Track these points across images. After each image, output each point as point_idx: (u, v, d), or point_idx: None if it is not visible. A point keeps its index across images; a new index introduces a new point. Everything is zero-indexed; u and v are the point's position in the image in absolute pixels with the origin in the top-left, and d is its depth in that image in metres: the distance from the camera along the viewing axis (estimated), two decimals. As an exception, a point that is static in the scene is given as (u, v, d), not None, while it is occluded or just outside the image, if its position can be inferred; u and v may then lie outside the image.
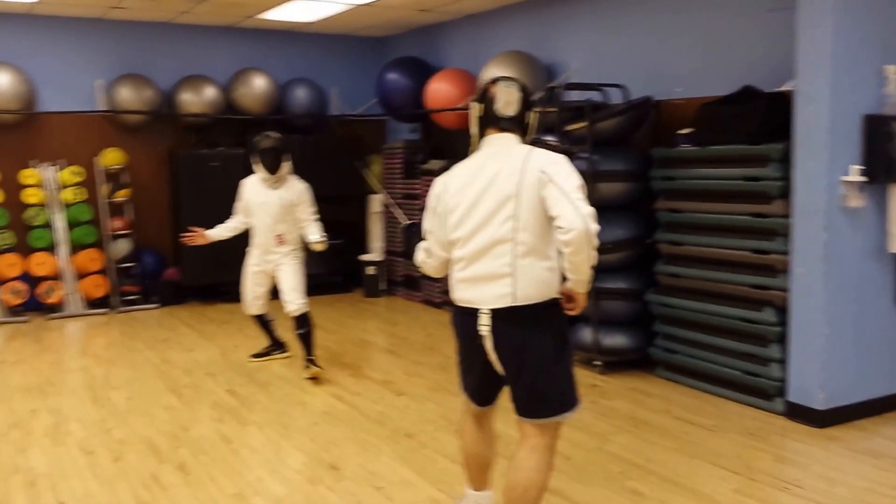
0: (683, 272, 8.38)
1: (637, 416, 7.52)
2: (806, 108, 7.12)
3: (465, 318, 4.66)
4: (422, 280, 13.05)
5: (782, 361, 7.51)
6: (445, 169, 11.84)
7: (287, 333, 9.43)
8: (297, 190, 8.86)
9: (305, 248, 9.03)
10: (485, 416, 5.03)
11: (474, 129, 4.74)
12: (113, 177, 12.89)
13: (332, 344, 9.52)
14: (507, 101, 4.62)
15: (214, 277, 13.05)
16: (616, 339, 8.85)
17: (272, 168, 8.75)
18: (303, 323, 8.84)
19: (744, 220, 7.74)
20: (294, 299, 8.77)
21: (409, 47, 14.07)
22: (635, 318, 8.96)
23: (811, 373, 7.24)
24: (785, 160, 7.36)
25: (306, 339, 8.86)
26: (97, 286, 12.50)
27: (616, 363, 8.94)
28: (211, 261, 12.58)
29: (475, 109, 4.72)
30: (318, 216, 8.97)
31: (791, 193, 7.30)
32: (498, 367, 4.63)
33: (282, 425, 7.31)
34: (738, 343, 7.86)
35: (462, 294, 4.64)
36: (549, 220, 4.37)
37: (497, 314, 4.48)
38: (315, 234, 8.78)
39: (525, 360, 4.51)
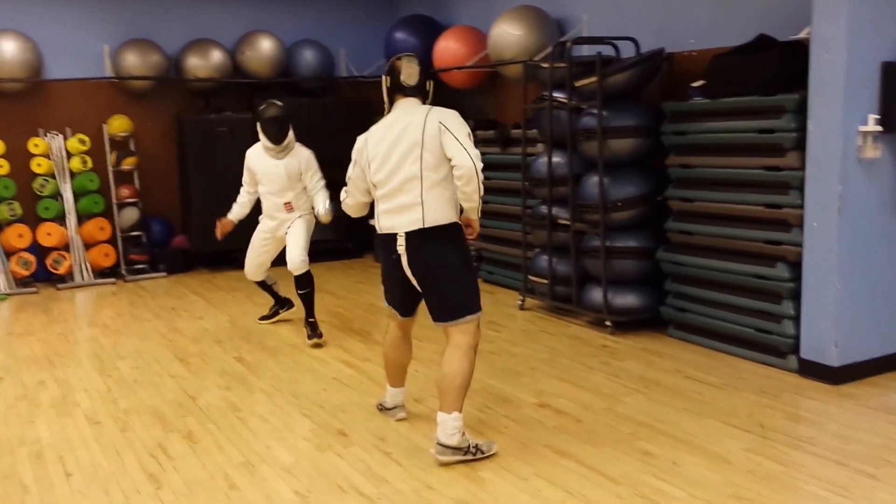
0: (695, 229, 8.26)
1: (648, 377, 7.44)
2: (822, 57, 6.98)
3: (386, 242, 5.86)
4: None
5: (796, 318, 7.41)
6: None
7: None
8: (302, 157, 8.81)
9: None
10: (406, 326, 6.29)
11: (385, 96, 5.95)
12: (120, 144, 12.81)
13: (341, 310, 9.45)
14: (409, 73, 5.89)
15: (223, 245, 12.96)
16: (626, 299, 8.77)
17: (277, 138, 8.71)
18: (303, 283, 8.84)
19: (757, 174, 7.62)
20: (294, 258, 8.69)
21: (418, 5, 13.88)
22: (646, 276, 8.85)
23: (825, 329, 7.15)
24: (800, 111, 7.21)
25: (307, 300, 8.87)
26: (105, 256, 12.44)
27: (626, 323, 8.83)
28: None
29: (385, 81, 5.94)
30: (324, 182, 8.89)
31: (806, 145, 7.16)
32: (413, 281, 5.82)
33: (290, 392, 7.26)
34: (751, 300, 7.76)
35: (384, 223, 5.84)
36: (447, 160, 5.60)
37: (410, 236, 5.70)
38: (321, 206, 8.73)
39: (435, 271, 5.75)
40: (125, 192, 12.69)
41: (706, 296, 8.20)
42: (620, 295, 8.74)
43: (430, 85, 6.04)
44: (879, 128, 6.92)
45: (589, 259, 8.96)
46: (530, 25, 10.51)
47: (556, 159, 9.20)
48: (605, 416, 6.46)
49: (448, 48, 11.84)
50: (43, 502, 5.27)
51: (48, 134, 12.38)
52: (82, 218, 12.43)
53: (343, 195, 6.27)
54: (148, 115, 13.19)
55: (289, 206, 8.79)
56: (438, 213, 5.67)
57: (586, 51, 9.50)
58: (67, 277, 12.25)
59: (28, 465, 5.85)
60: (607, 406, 6.68)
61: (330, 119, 13.16)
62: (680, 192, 8.40)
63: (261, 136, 8.76)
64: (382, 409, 6.63)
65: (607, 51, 9.21)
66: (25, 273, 11.88)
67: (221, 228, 9.04)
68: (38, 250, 12.14)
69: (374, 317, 8.62)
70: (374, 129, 5.96)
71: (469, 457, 5.62)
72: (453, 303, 5.75)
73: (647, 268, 8.79)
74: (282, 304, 9.65)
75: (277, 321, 9.61)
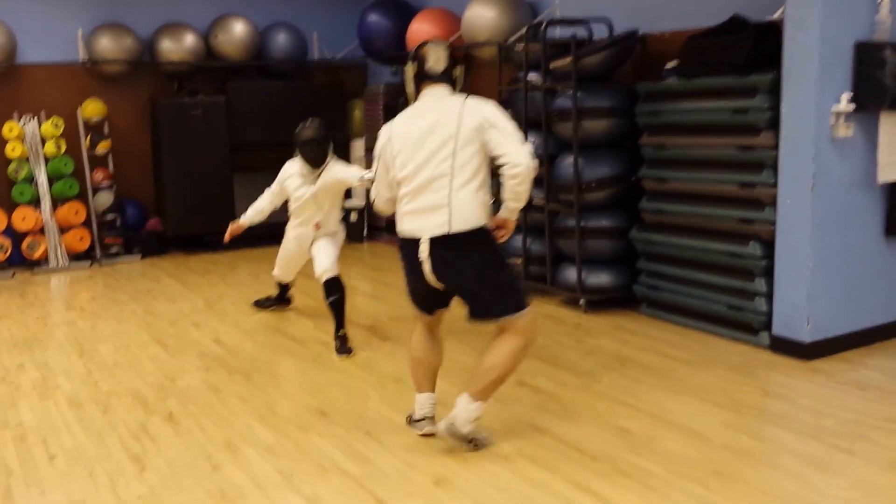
0: (669, 208, 8.34)
1: (622, 354, 7.52)
2: (795, 37, 7.05)
3: (409, 246, 5.39)
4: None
5: (768, 295, 7.50)
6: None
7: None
8: (334, 171, 8.28)
9: (345, 227, 8.77)
10: (434, 326, 5.86)
11: (410, 86, 5.57)
12: (94, 128, 12.77)
13: (316, 290, 9.45)
14: (436, 59, 5.45)
15: (197, 228, 13.00)
16: (600, 278, 8.84)
17: (315, 161, 8.19)
18: (333, 289, 8.12)
19: (731, 154, 7.69)
20: (324, 263, 8.18)
21: (390, -13, 13.84)
22: (619, 256, 8.94)
23: (797, 306, 7.24)
24: (773, 91, 7.29)
25: (337, 308, 8.06)
26: (80, 239, 12.41)
27: (600, 302, 8.92)
28: (193, 211, 12.56)
29: (410, 68, 5.53)
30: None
31: (779, 125, 7.24)
32: (438, 286, 5.43)
33: (269, 373, 7.31)
34: (724, 278, 7.85)
35: (406, 225, 5.40)
36: (485, 158, 5.24)
37: (435, 241, 5.25)
38: (359, 175, 8.17)
39: (461, 279, 5.35)
40: (99, 175, 12.67)
41: (679, 274, 8.29)
42: (594, 274, 8.82)
43: (458, 71, 5.59)
44: (852, 107, 7.01)
45: (563, 239, 9.03)
46: (504, 7, 10.55)
47: (530, 140, 9.23)
48: (583, 394, 6.52)
49: (421, 30, 11.84)
50: (28, 484, 5.30)
51: (22, 118, 12.35)
52: (57, 202, 12.39)
53: (373, 194, 5.75)
54: (122, 98, 13.16)
55: (317, 226, 8.39)
56: (467, 217, 5.19)
57: (560, 32, 9.52)
58: (43, 261, 12.25)
59: (11, 447, 5.87)
60: (584, 384, 6.75)
61: (302, 102, 13.20)
62: (654, 171, 8.46)
63: (298, 157, 8.28)
64: (411, 421, 5.94)
65: (581, 32, 9.26)
66: (1, 257, 11.86)
67: (231, 231, 8.56)
68: (14, 234, 12.14)
69: (348, 297, 8.60)
70: (399, 119, 5.50)
71: (470, 446, 5.48)
72: (490, 305, 5.36)
73: (621, 247, 8.87)
74: (280, 300, 9.43)
75: (276, 313, 9.37)
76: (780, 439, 5.74)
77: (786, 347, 7.32)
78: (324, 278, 8.16)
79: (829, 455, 5.41)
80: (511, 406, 6.24)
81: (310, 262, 8.51)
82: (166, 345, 8.22)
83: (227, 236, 8.61)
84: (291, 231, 8.62)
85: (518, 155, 5.11)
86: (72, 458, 5.65)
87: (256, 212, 8.65)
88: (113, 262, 12.55)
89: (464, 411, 5.39)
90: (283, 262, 8.85)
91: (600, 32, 9.30)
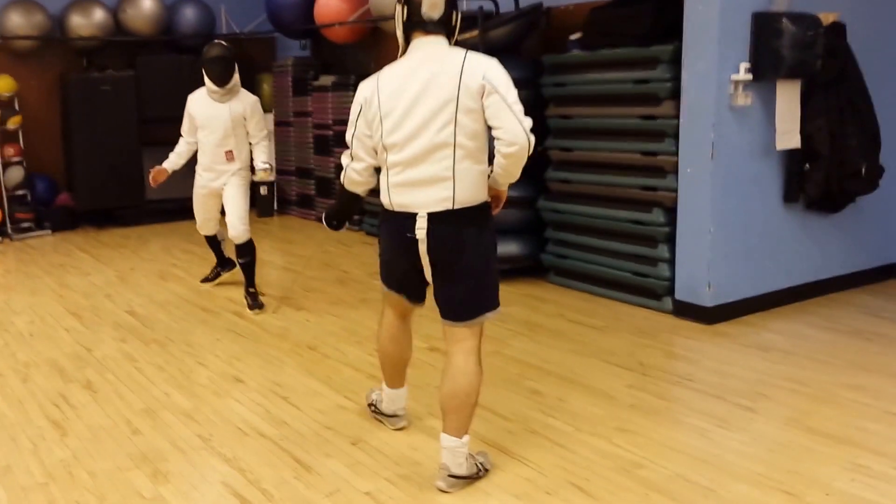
0: (574, 177, 8.54)
1: (531, 321, 7.70)
2: (696, 8, 7.25)
3: (398, 222, 4.69)
4: (315, 198, 13.12)
5: (671, 261, 7.73)
6: (338, 84, 11.78)
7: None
8: (247, 102, 8.44)
9: (251, 169, 8.65)
10: (408, 315, 5.19)
11: (399, 32, 4.69)
12: (4, 104, 12.64)
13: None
14: (432, 2, 4.55)
15: (107, 202, 12.98)
16: (509, 248, 8.93)
17: (221, 79, 8.26)
18: (245, 251, 8.49)
19: (633, 123, 7.90)
20: (236, 225, 8.33)
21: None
22: (527, 225, 9.09)
23: (698, 271, 7.47)
24: (674, 62, 7.49)
25: (248, 269, 8.51)
26: (-9, 214, 12.35)
27: (509, 271, 9.03)
28: (104, 186, 12.54)
29: (400, 13, 4.65)
30: (266, 133, 8.65)
31: (680, 94, 7.45)
32: (427, 270, 4.71)
33: (185, 343, 7.37)
34: (628, 245, 8.07)
35: (397, 199, 4.65)
36: (485, 124, 4.45)
37: (434, 217, 4.55)
38: (260, 160, 8.40)
39: (458, 262, 4.62)
40: (10, 151, 12.56)
41: (585, 242, 8.49)
42: (503, 243, 8.87)
43: (456, 18, 4.71)
44: (750, 76, 7.24)
45: (472, 209, 9.12)
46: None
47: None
48: (493, 359, 6.62)
49: (329, 4, 11.89)
50: (-51, 451, 5.36)
51: (-69, 95, 12.22)
52: (-34, 178, 12.32)
53: (346, 161, 4.95)
54: (32, 74, 13.09)
55: (230, 155, 8.42)
56: (471, 192, 4.54)
57: (467, 5, 9.64)
58: (-48, 237, 12.16)
59: (-70, 417, 5.91)
60: (495, 349, 6.86)
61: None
62: (559, 142, 8.66)
63: (205, 79, 8.34)
64: (376, 410, 5.58)
65: (488, 5, 9.37)
66: None
67: (154, 176, 8.56)
68: (-78, 211, 11.98)
69: (260, 269, 8.64)
70: (385, 73, 4.68)
71: (479, 476, 4.81)
72: (474, 300, 4.71)
73: (528, 217, 9.03)
74: (223, 264, 9.40)
75: (218, 283, 9.37)
76: (684, 398, 5.96)
77: (689, 312, 7.56)
78: (236, 242, 8.42)
79: (731, 413, 5.64)
80: (425, 371, 6.34)
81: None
82: (81, 317, 8.24)
83: (151, 181, 8.62)
84: (200, 172, 8.63)
85: (517, 131, 4.35)
86: (-7, 425, 5.73)
87: (177, 154, 8.67)
88: (24, 237, 12.48)
89: (452, 454, 4.69)
90: (198, 207, 8.81)
91: (506, 6, 9.42)
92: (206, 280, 9.45)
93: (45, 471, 5.02)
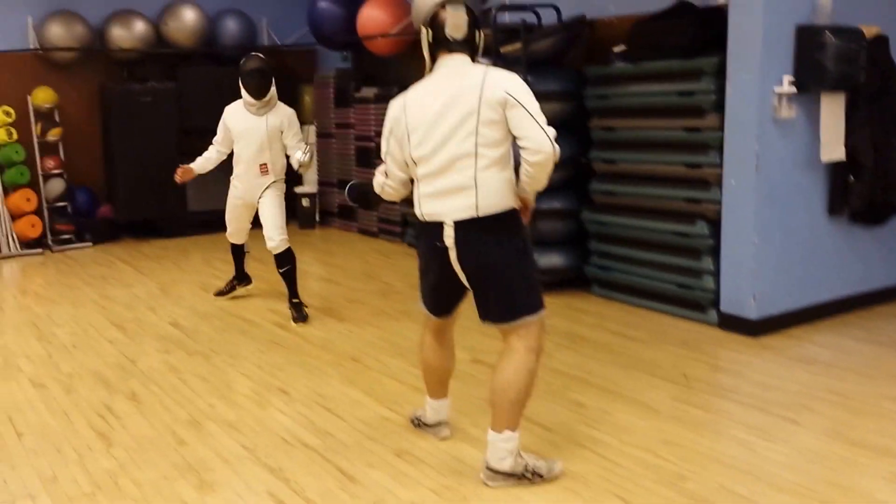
0: (617, 189, 8.51)
1: (575, 333, 7.68)
2: (739, 20, 7.23)
3: (429, 231, 4.87)
4: (357, 210, 13.10)
5: (715, 273, 7.68)
6: (380, 96, 11.80)
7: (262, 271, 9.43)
8: (284, 115, 8.47)
9: (287, 179, 8.72)
10: (444, 329, 5.33)
11: (426, 52, 4.91)
12: (45, 116, 12.75)
13: (270, 275, 9.52)
14: (455, 24, 4.79)
15: (148, 213, 13.03)
16: (552, 259, 8.93)
17: (258, 92, 8.31)
18: (284, 260, 8.48)
19: (677, 135, 7.87)
20: (275, 236, 8.37)
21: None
22: (570, 237, 9.06)
23: (743, 283, 7.43)
24: (718, 74, 7.46)
25: (289, 278, 8.50)
26: (32, 226, 12.39)
27: (552, 283, 8.97)
28: (144, 197, 12.58)
29: (426, 35, 4.87)
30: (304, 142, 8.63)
31: (724, 107, 7.41)
32: (462, 276, 4.86)
33: (227, 354, 7.39)
34: (672, 257, 8.03)
35: (426, 209, 4.85)
36: (508, 134, 4.63)
37: (461, 225, 4.71)
38: (299, 153, 8.37)
39: (488, 267, 4.77)
40: (51, 163, 12.66)
41: (629, 254, 8.45)
42: (546, 255, 8.91)
43: (480, 37, 4.95)
44: (793, 89, 7.21)
45: (515, 221, 9.12)
46: (453, -7, 10.62)
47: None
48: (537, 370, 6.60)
49: (372, 16, 11.92)
50: (-2, 460, 5.40)
51: (-28, 107, 12.31)
52: (8, 189, 12.36)
53: (380, 178, 5.18)
54: (72, 86, 13.15)
55: (264, 169, 8.44)
56: (495, 199, 4.69)
57: (509, 18, 9.64)
58: (-7, 249, 12.24)
59: (-23, 426, 5.95)
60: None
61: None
62: (603, 153, 8.63)
63: (242, 91, 8.43)
64: (420, 423, 5.65)
65: (530, 18, 9.36)
66: (-48, 245, 11.85)
67: (182, 174, 8.65)
68: (-35, 222, 12.07)
69: (303, 281, 8.63)
70: (413, 92, 4.95)
71: (525, 482, 4.85)
72: (509, 302, 4.81)
73: (572, 228, 9.00)
74: (241, 278, 9.39)
75: (233, 297, 9.36)
76: (728, 410, 5.95)
77: (733, 324, 7.51)
78: (274, 253, 8.43)
79: (775, 424, 5.61)
80: (468, 383, 6.35)
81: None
82: (124, 328, 8.27)
83: (177, 178, 8.70)
84: (235, 184, 8.66)
85: (541, 140, 4.51)
86: (39, 436, 5.74)
87: (205, 159, 8.77)
88: (65, 249, 12.54)
89: (493, 447, 4.84)
90: (231, 216, 8.81)
91: (549, 18, 9.40)
92: (220, 293, 9.39)
93: (91, 481, 5.05)
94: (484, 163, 4.64)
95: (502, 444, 4.81)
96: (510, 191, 4.76)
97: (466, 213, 4.69)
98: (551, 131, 4.55)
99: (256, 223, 8.68)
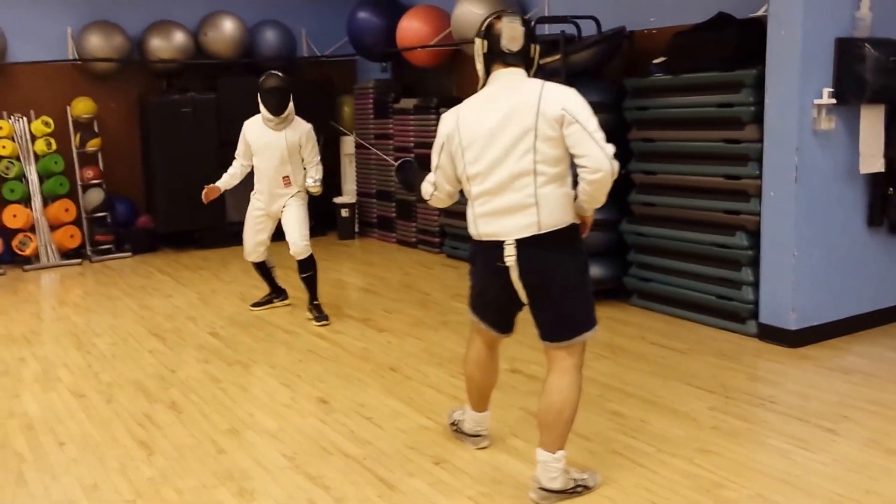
0: (657, 200, 8.50)
1: (613, 343, 7.66)
2: (778, 33, 7.22)
3: (487, 251, 4.78)
4: (396, 221, 13.12)
5: (755, 284, 7.66)
6: (419, 107, 11.80)
7: (289, 277, 9.44)
8: (302, 131, 8.69)
9: (325, 190, 8.90)
10: (496, 345, 5.31)
11: (480, 65, 4.80)
12: (84, 126, 12.86)
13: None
14: (512, 36, 4.66)
15: (187, 224, 13.09)
16: (592, 270, 8.78)
17: (277, 109, 8.50)
18: (306, 266, 8.73)
19: (717, 147, 7.85)
20: (297, 241, 8.59)
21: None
22: (610, 248, 9.04)
23: (782, 294, 7.40)
24: (758, 85, 7.44)
25: (310, 283, 8.78)
26: (71, 237, 12.50)
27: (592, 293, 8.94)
28: (183, 207, 12.63)
29: (480, 46, 4.76)
30: (319, 157, 8.84)
31: (763, 118, 7.40)
32: (522, 295, 4.80)
33: (267, 364, 7.43)
34: (711, 268, 8.01)
35: (485, 228, 4.75)
36: (566, 151, 4.52)
37: (522, 244, 4.63)
38: (312, 177, 8.64)
39: (551, 285, 4.70)
40: (89, 173, 12.76)
41: (668, 265, 8.44)
42: (585, 266, 8.92)
43: (535, 50, 4.81)
44: (833, 101, 7.19)
45: (554, 232, 9.11)
46: (493, 4, 10.64)
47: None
48: (575, 381, 6.61)
49: (411, 27, 11.97)
50: (40, 469, 5.42)
51: (12, 117, 12.43)
52: (47, 199, 12.49)
53: (429, 188, 5.16)
54: (111, 96, 13.26)
55: (287, 181, 8.67)
56: (556, 215, 4.61)
57: (549, 29, 9.66)
58: (33, 259, 12.32)
59: (20, 435, 5.99)
60: (576, 371, 6.84)
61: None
62: (642, 165, 8.63)
63: (261, 107, 8.59)
64: (458, 429, 5.64)
65: (570, 30, 9.36)
66: (-8, 256, 11.96)
67: (208, 194, 8.79)
68: (4, 232, 12.22)
69: (342, 291, 8.79)
70: (466, 106, 4.83)
71: (578, 493, 4.85)
72: (571, 320, 4.78)
73: (611, 239, 8.99)
74: (277, 292, 9.46)
75: (271, 307, 9.41)
76: (766, 420, 5.92)
77: (773, 335, 7.48)
78: (298, 258, 8.68)
79: (813, 434, 5.60)
80: (507, 392, 6.34)
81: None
82: (164, 338, 8.32)
83: (204, 198, 8.83)
84: (257, 197, 8.83)
85: (600, 158, 4.43)
86: (80, 445, 5.78)
87: (230, 176, 8.92)
88: (103, 259, 12.64)
89: (544, 467, 4.78)
90: (250, 230, 8.91)
91: (588, 30, 9.41)
92: (257, 304, 9.44)
93: (132, 489, 5.09)
94: (543, 180, 4.55)
95: (555, 463, 4.76)
96: (570, 206, 4.68)
97: (528, 231, 4.61)
98: (610, 148, 4.47)
99: (276, 237, 8.89)
